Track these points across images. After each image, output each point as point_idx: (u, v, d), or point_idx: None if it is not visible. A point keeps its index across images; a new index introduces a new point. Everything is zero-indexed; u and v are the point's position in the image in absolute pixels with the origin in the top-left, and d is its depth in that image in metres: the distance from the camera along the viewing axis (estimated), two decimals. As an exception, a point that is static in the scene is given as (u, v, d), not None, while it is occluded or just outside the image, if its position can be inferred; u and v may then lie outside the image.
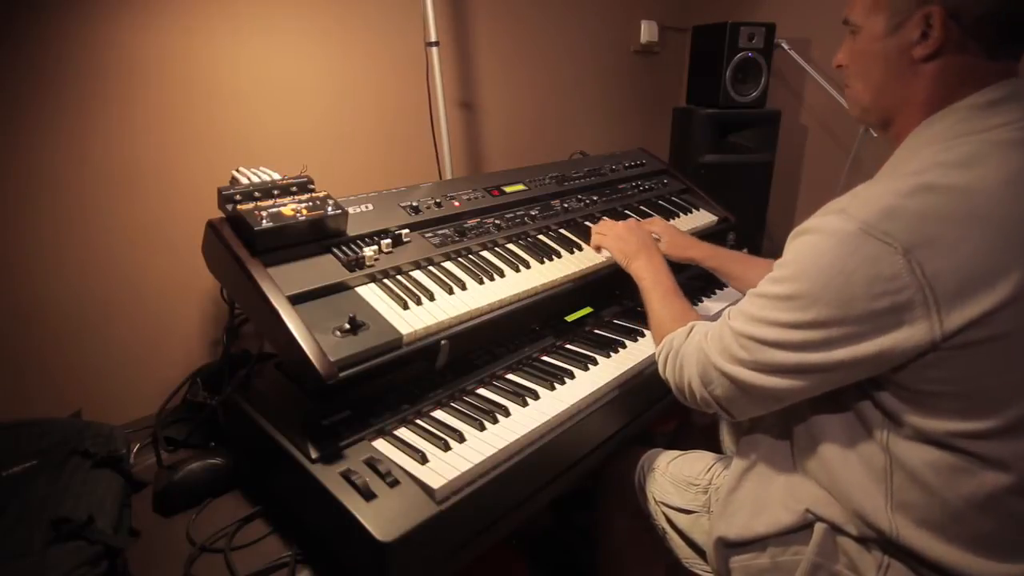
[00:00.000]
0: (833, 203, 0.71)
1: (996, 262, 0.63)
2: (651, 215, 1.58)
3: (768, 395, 0.76)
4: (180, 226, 1.22)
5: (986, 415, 0.67)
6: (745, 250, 1.62)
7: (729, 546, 0.89)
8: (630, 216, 1.53)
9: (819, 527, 0.80)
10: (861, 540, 0.77)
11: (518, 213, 1.36)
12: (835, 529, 0.79)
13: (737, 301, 1.37)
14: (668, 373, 0.91)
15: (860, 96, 0.82)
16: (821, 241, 0.69)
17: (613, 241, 1.23)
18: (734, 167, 2.15)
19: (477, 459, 0.87)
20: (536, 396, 1.03)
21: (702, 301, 1.44)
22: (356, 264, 1.03)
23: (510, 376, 1.10)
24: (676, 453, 1.12)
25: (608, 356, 1.17)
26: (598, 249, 1.29)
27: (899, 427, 0.71)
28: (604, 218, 1.42)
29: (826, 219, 0.70)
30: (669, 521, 1.05)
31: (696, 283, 1.51)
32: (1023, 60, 0.74)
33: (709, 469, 1.04)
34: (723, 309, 1.38)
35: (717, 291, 1.50)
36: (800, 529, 0.82)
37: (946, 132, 0.71)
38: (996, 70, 0.71)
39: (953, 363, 0.65)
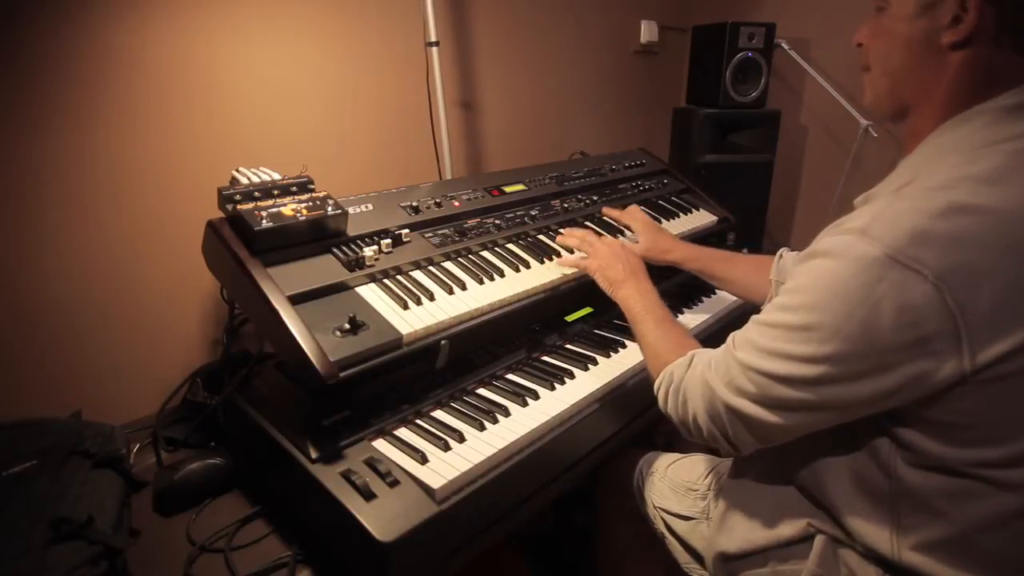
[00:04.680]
0: (848, 221, 0.65)
1: None
2: (651, 215, 1.57)
3: (778, 430, 0.70)
4: (180, 226, 1.22)
5: (1004, 444, 0.63)
6: (746, 249, 1.62)
7: (729, 559, 0.87)
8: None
9: (820, 539, 0.77)
10: (862, 554, 0.75)
11: (518, 213, 1.36)
12: (836, 541, 0.77)
13: (718, 312, 1.37)
14: (670, 408, 0.85)
15: (877, 82, 0.75)
16: (839, 266, 0.62)
17: (597, 267, 1.16)
18: (734, 167, 2.15)
19: (477, 459, 0.87)
20: (536, 396, 1.03)
21: (682, 312, 1.39)
22: (356, 264, 1.03)
23: (510, 376, 1.10)
24: (675, 456, 1.11)
25: (608, 356, 1.17)
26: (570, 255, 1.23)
27: (909, 455, 0.67)
28: (562, 232, 1.31)
29: (842, 240, 0.63)
30: (667, 526, 1.04)
31: (684, 290, 1.50)
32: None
33: (708, 475, 1.03)
34: (704, 320, 1.35)
35: (705, 298, 1.46)
36: (801, 541, 0.79)
37: (971, 139, 0.66)
38: None
39: (980, 395, 0.61)
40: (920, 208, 0.60)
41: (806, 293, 0.65)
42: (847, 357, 0.62)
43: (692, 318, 1.37)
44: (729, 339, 0.76)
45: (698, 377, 0.79)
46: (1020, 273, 0.58)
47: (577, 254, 1.24)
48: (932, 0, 0.66)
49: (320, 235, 1.03)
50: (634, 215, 1.39)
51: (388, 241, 1.10)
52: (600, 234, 1.36)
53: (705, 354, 0.82)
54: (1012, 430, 0.62)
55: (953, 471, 0.65)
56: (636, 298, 1.06)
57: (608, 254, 1.17)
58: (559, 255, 1.27)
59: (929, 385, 0.61)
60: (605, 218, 1.45)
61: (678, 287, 1.49)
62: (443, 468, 0.85)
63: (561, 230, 1.34)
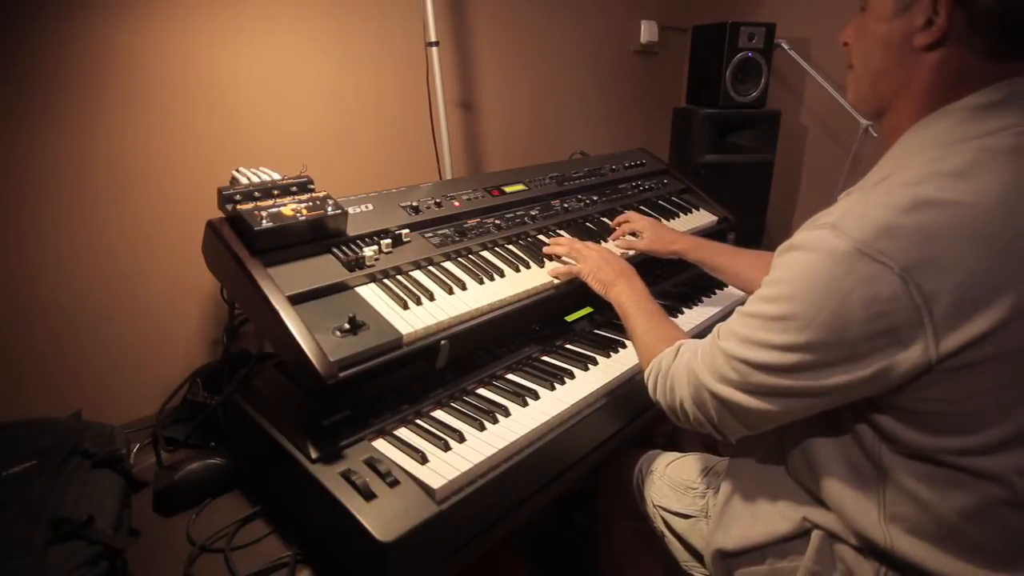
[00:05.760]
0: (822, 216, 0.68)
1: (992, 281, 0.60)
2: (651, 215, 1.58)
3: (760, 416, 0.73)
4: (180, 226, 1.22)
5: (978, 432, 0.65)
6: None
7: (727, 556, 0.88)
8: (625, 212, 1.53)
9: (816, 535, 0.78)
10: (858, 548, 0.76)
11: (518, 213, 1.36)
12: (832, 537, 0.78)
13: (726, 308, 1.38)
14: (659, 395, 0.89)
15: (859, 80, 0.79)
16: (813, 259, 0.65)
17: (588, 271, 1.19)
18: (734, 167, 2.15)
19: (477, 459, 0.87)
20: (536, 396, 1.03)
21: (684, 312, 1.39)
22: (356, 264, 1.03)
23: (510, 376, 1.10)
24: (674, 455, 1.11)
25: (608, 356, 1.17)
26: (560, 266, 1.24)
27: (891, 444, 0.70)
28: (561, 232, 1.36)
29: (816, 235, 0.66)
30: (667, 525, 1.05)
31: (691, 289, 1.51)
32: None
33: (707, 474, 1.03)
34: (714, 313, 1.36)
35: (705, 298, 1.46)
36: (797, 537, 0.80)
37: (942, 136, 0.68)
38: (998, 72, 0.66)
39: (948, 383, 0.63)
40: (889, 203, 0.63)
41: (783, 285, 0.69)
42: (820, 346, 0.65)
43: (701, 312, 1.39)
44: (715, 329, 0.79)
45: (684, 365, 0.83)
46: (983, 264, 0.60)
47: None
48: (907, 2, 0.68)
49: (320, 235, 1.03)
50: (633, 216, 1.45)
51: (388, 241, 1.10)
52: (598, 240, 1.37)
53: (692, 344, 0.86)
54: (984, 418, 0.64)
55: (934, 460, 0.67)
56: (628, 295, 1.09)
57: (597, 258, 1.21)
58: (559, 255, 1.27)
59: (900, 373, 0.63)
60: (616, 227, 1.44)
61: (686, 285, 1.51)
62: (443, 468, 0.85)
63: (559, 230, 1.34)
